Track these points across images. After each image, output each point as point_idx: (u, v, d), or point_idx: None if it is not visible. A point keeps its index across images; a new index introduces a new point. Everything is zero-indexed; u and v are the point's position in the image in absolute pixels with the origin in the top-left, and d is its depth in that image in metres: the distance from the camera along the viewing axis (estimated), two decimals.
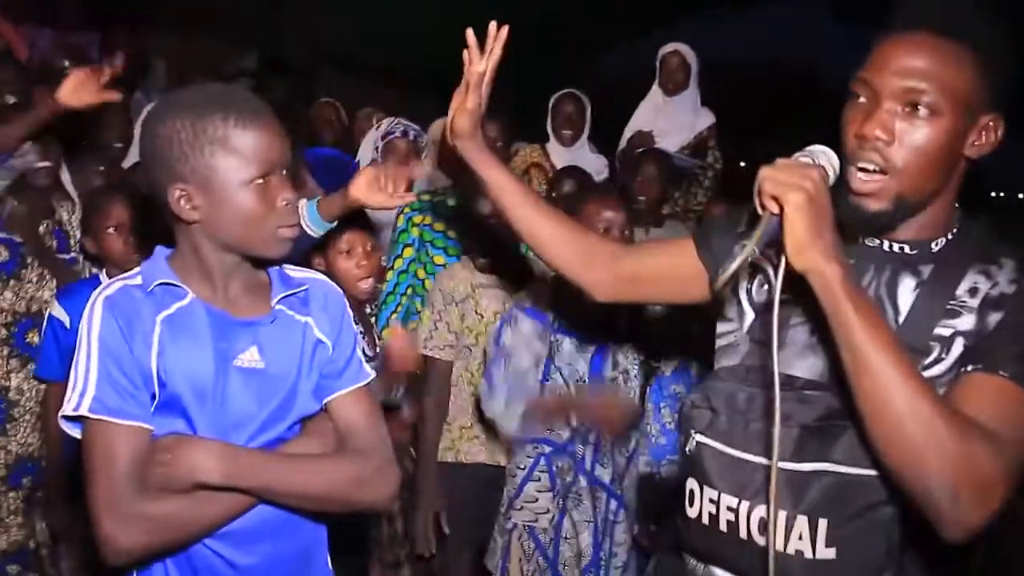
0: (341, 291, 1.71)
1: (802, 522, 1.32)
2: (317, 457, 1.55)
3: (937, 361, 1.36)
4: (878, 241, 1.44)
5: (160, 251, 1.54)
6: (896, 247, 1.43)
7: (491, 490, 2.86)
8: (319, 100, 5.38)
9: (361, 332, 2.62)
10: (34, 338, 2.93)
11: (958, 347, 1.36)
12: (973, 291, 1.37)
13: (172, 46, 6.23)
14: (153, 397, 1.44)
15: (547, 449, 2.69)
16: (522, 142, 4.76)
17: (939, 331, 1.37)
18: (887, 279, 1.43)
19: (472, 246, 3.00)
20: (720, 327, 1.63)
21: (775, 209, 1.25)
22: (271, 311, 1.55)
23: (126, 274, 1.51)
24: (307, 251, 2.55)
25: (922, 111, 1.31)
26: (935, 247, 1.42)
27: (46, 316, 2.76)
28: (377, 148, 3.61)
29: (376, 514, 2.87)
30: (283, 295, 1.57)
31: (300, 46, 6.76)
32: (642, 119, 4.81)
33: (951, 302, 1.38)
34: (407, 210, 3.32)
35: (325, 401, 1.61)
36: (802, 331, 1.47)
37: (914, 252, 1.43)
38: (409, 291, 3.26)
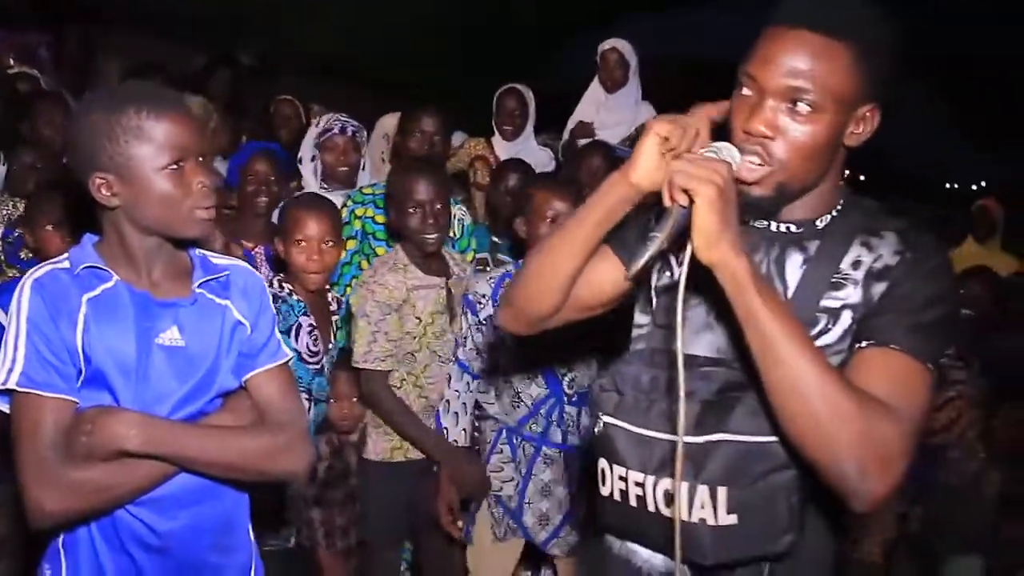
0: (261, 277, 1.81)
1: (703, 491, 1.36)
2: (232, 429, 1.64)
3: (824, 332, 1.43)
4: (766, 222, 1.50)
5: (88, 238, 1.63)
6: (783, 227, 1.50)
7: (428, 478, 2.94)
8: (278, 97, 5.38)
9: (311, 326, 2.71)
10: None
11: (845, 319, 1.42)
12: (856, 264, 1.43)
13: (123, 46, 6.22)
14: (79, 373, 1.53)
15: (504, 427, 2.90)
16: (466, 135, 4.83)
17: (825, 303, 1.43)
18: (775, 256, 1.49)
19: (408, 245, 2.88)
20: (637, 319, 1.69)
21: (684, 202, 1.29)
22: (192, 294, 1.65)
23: (55, 259, 1.60)
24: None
25: (803, 108, 1.36)
26: (820, 224, 1.48)
27: None
28: (316, 145, 3.63)
29: (328, 500, 2.92)
30: (204, 279, 1.67)
31: (255, 45, 6.75)
32: (583, 112, 4.91)
33: (835, 275, 1.44)
34: (349, 203, 3.36)
35: (244, 378, 1.70)
36: (699, 311, 1.52)
37: (800, 230, 1.49)
38: (353, 282, 3.22)
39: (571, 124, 4.91)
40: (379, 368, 2.79)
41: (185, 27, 7.36)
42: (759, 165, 1.40)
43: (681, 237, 1.32)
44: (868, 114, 1.43)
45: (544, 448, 2.86)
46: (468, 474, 2.82)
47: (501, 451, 2.92)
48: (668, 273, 1.61)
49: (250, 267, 1.80)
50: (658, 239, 1.29)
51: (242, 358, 1.69)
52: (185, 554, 1.64)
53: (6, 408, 1.52)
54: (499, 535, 2.92)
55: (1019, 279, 4.96)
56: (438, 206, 2.80)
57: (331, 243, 2.74)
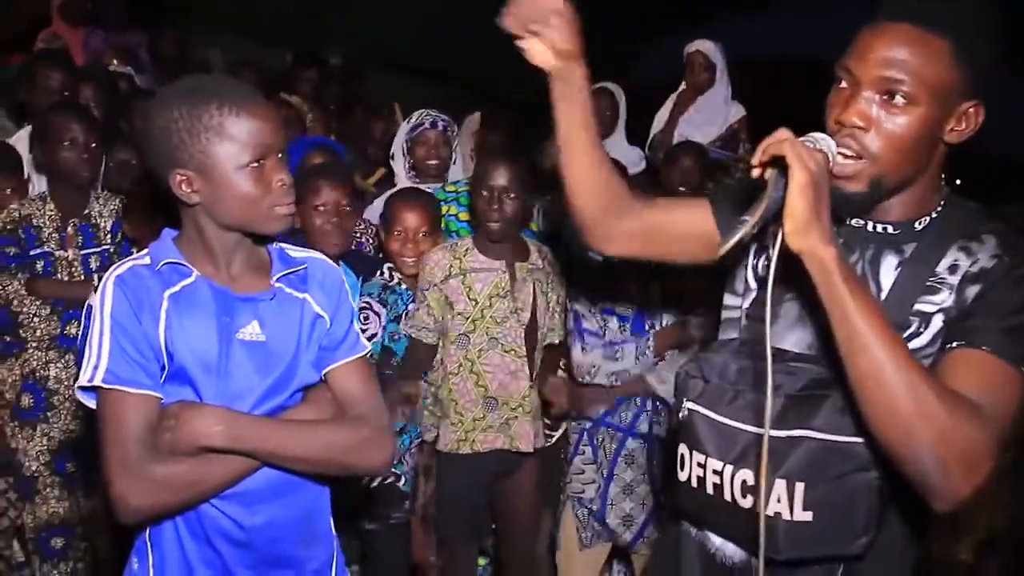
0: (340, 269, 1.81)
1: (780, 485, 1.36)
2: (315, 423, 1.63)
3: (916, 335, 1.41)
4: (863, 222, 1.49)
5: (167, 233, 1.63)
6: (880, 227, 1.48)
7: (505, 476, 2.95)
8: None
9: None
10: (71, 329, 3.03)
11: (937, 323, 1.40)
12: (953, 268, 1.41)
13: (214, 46, 6.35)
14: (162, 369, 1.53)
15: (587, 424, 2.98)
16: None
17: (919, 307, 1.42)
18: (871, 257, 1.48)
19: (479, 231, 2.95)
20: (727, 299, 1.68)
21: (768, 175, 1.29)
22: (271, 288, 1.64)
23: (136, 255, 1.61)
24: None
25: (898, 100, 1.35)
26: (918, 226, 1.47)
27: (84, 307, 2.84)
28: (408, 140, 3.68)
29: (427, 472, 2.96)
30: (282, 273, 1.66)
31: (340, 45, 6.83)
32: (662, 117, 4.89)
33: (931, 279, 1.42)
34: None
35: (324, 372, 1.69)
36: (793, 306, 1.52)
37: (897, 232, 1.47)
38: None
39: (656, 124, 4.85)
40: (419, 337, 2.89)
41: (272, 27, 7.50)
42: (852, 158, 1.39)
43: (776, 225, 1.30)
44: (971, 111, 1.40)
45: (628, 441, 2.89)
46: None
47: (583, 452, 2.98)
48: (765, 262, 1.60)
49: (328, 259, 1.79)
50: (749, 221, 1.27)
51: (322, 351, 1.69)
52: (269, 547, 1.64)
53: (92, 404, 1.52)
54: (585, 540, 2.96)
55: None
56: (510, 194, 2.83)
57: (424, 233, 2.95)
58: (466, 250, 2.89)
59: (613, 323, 2.95)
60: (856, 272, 1.39)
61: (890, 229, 1.47)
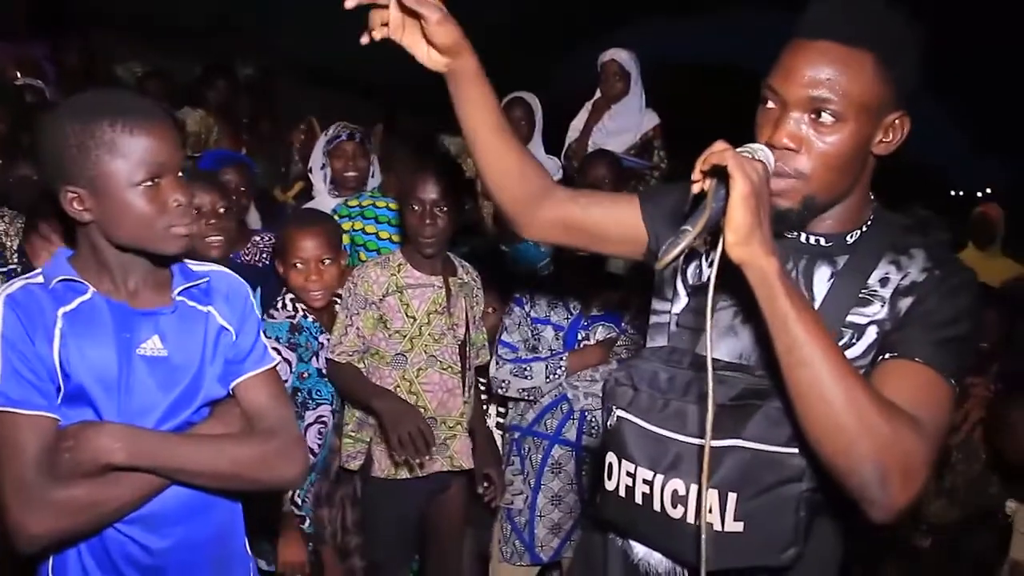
0: (244, 282, 1.76)
1: (712, 495, 1.36)
2: (222, 437, 1.60)
3: (848, 346, 1.43)
4: (796, 233, 1.50)
5: (61, 251, 1.59)
6: (813, 239, 1.50)
7: (438, 493, 2.92)
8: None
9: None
10: None
11: (871, 334, 1.42)
12: (884, 281, 1.44)
13: (122, 56, 6.20)
14: (58, 390, 1.48)
15: (516, 435, 2.98)
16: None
17: (851, 318, 1.43)
18: (804, 268, 1.49)
19: (410, 245, 2.87)
20: (656, 304, 1.68)
21: (707, 186, 1.29)
22: (172, 302, 1.61)
23: (28, 274, 1.56)
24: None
25: (827, 118, 1.36)
26: (850, 239, 1.49)
27: None
28: (326, 153, 3.67)
29: (330, 501, 2.86)
30: (183, 287, 1.62)
31: (252, 55, 6.73)
32: (576, 126, 4.92)
33: (863, 291, 1.44)
34: (336, 217, 3.34)
35: (231, 385, 1.67)
36: (726, 315, 1.52)
37: (830, 244, 1.49)
38: None
39: (571, 133, 4.89)
40: (343, 361, 2.74)
41: (183, 37, 7.35)
42: (784, 179, 1.39)
43: (714, 236, 1.30)
44: (897, 122, 1.42)
45: (554, 448, 2.90)
46: (403, 412, 2.62)
47: (512, 463, 2.98)
48: (698, 271, 1.60)
49: (231, 272, 1.76)
50: (691, 232, 1.26)
51: (228, 365, 1.66)
52: (181, 572, 1.60)
53: None
54: (505, 555, 2.96)
55: (1018, 284, 4.92)
56: (442, 207, 2.77)
57: (329, 260, 2.75)
58: (399, 265, 2.82)
59: (548, 332, 2.94)
60: (796, 284, 1.40)
61: (823, 241, 1.49)
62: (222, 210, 2.69)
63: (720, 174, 1.27)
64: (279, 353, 2.56)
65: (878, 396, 1.28)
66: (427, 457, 2.64)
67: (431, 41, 1.55)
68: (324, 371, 2.75)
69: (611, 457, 1.50)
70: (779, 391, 1.33)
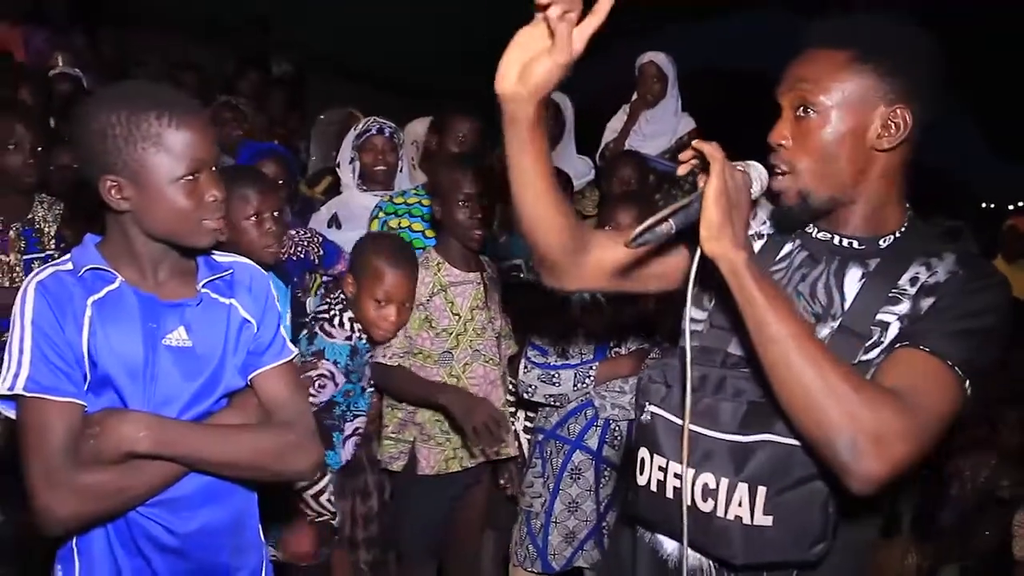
0: (266, 275, 1.77)
1: (742, 489, 1.39)
2: (241, 427, 1.62)
3: (876, 344, 1.45)
4: (830, 235, 1.55)
5: (90, 238, 1.60)
6: (845, 241, 1.54)
7: (467, 488, 2.94)
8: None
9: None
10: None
11: (894, 330, 1.45)
12: (914, 280, 1.47)
13: (156, 49, 6.26)
14: (86, 376, 1.50)
15: (540, 436, 2.95)
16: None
17: (880, 317, 1.46)
18: (835, 268, 1.53)
19: (447, 242, 2.88)
20: (695, 313, 1.64)
21: (690, 169, 1.47)
22: (197, 294, 1.63)
23: (57, 260, 1.57)
24: None
25: (810, 113, 1.46)
26: (882, 244, 1.52)
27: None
28: (355, 147, 3.66)
29: (341, 493, 2.83)
30: (208, 279, 1.64)
31: (287, 50, 6.79)
32: (614, 126, 4.90)
33: (893, 290, 1.47)
34: (381, 214, 3.33)
35: (250, 377, 1.68)
36: None
37: (862, 247, 1.53)
38: None
39: (607, 135, 4.88)
40: (395, 364, 2.75)
41: (216, 31, 7.42)
42: (782, 174, 1.50)
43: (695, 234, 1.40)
44: (895, 116, 1.45)
45: (576, 454, 2.87)
46: (473, 404, 2.65)
47: (534, 465, 2.96)
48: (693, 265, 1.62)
49: (254, 264, 1.77)
50: (663, 213, 1.37)
51: (248, 356, 1.68)
52: (201, 555, 1.63)
53: (11, 414, 1.49)
54: (519, 558, 2.94)
55: None
56: (485, 201, 2.79)
57: (410, 305, 2.71)
58: (438, 264, 2.83)
59: (580, 337, 2.92)
60: (767, 272, 1.49)
61: (855, 244, 1.53)
62: (277, 213, 2.61)
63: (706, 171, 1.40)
64: (332, 377, 2.54)
65: (846, 367, 1.34)
66: (502, 444, 2.70)
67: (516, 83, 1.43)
68: (371, 380, 2.73)
69: (643, 452, 1.54)
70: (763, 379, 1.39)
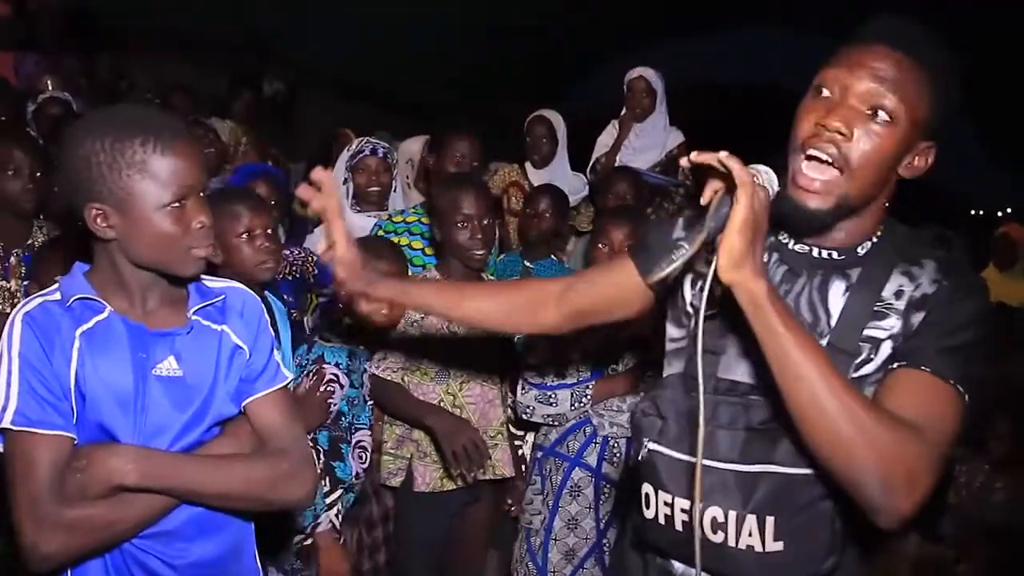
0: (259, 299, 1.76)
1: (751, 520, 1.39)
2: (233, 457, 1.59)
3: (867, 361, 1.44)
4: (807, 248, 1.52)
5: (78, 267, 1.58)
6: (825, 253, 1.51)
7: (467, 505, 2.93)
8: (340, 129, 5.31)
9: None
10: None
11: (886, 349, 1.44)
12: (899, 293, 1.45)
13: (150, 70, 6.28)
14: (73, 409, 1.48)
15: (539, 454, 2.94)
16: (501, 162, 4.84)
17: (868, 332, 1.45)
18: (818, 284, 1.50)
19: (447, 261, 2.87)
20: (672, 331, 1.68)
21: (716, 194, 1.30)
22: (188, 322, 1.60)
23: (45, 291, 1.55)
24: None
25: (881, 117, 1.37)
26: (861, 251, 1.50)
27: None
28: (349, 167, 3.66)
29: (356, 520, 2.83)
30: (199, 306, 1.62)
31: (281, 70, 6.81)
32: (604, 142, 4.91)
33: (878, 304, 1.45)
34: (381, 232, 3.33)
35: (243, 404, 1.65)
36: (740, 337, 1.52)
37: (842, 257, 1.50)
38: None
39: (597, 150, 4.91)
40: (388, 378, 2.76)
41: (210, 51, 7.43)
42: (826, 164, 1.39)
43: (709, 254, 1.31)
44: (927, 149, 1.43)
45: (575, 471, 2.86)
46: (456, 427, 2.67)
47: (534, 482, 2.95)
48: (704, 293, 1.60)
49: (246, 288, 1.75)
50: (685, 251, 1.27)
51: (241, 383, 1.65)
52: None
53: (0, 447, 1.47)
54: (519, 575, 2.93)
55: None
56: (485, 221, 2.78)
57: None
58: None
59: (576, 356, 2.90)
60: (785, 301, 1.40)
61: (835, 255, 1.50)
62: (270, 231, 2.60)
63: (723, 187, 1.29)
64: (337, 380, 2.55)
65: (876, 407, 1.31)
66: (480, 470, 2.69)
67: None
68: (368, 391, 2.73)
69: (647, 488, 1.52)
70: (783, 410, 1.34)
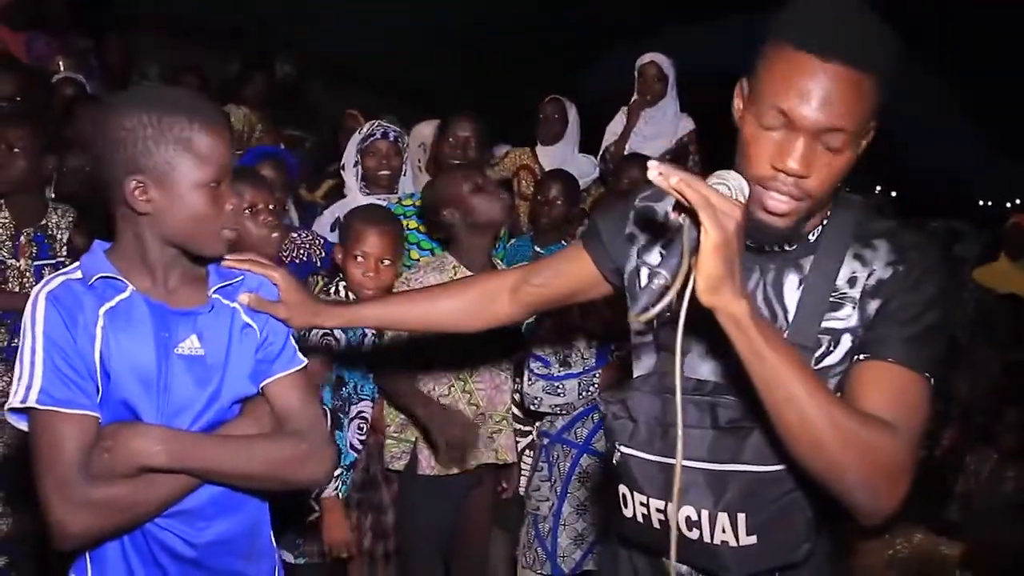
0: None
1: (723, 518, 1.42)
2: (254, 438, 1.61)
3: (827, 354, 1.46)
4: (758, 243, 1.48)
5: (99, 245, 1.58)
6: (776, 247, 1.49)
7: (471, 489, 2.95)
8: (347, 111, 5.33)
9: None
10: (19, 342, 2.94)
11: (846, 342, 1.44)
12: (852, 281, 1.45)
13: (160, 53, 6.27)
14: (98, 388, 1.48)
15: (545, 441, 2.98)
16: (510, 145, 4.83)
17: (826, 324, 1.45)
18: (772, 279, 1.50)
19: (458, 247, 2.90)
20: (635, 324, 1.68)
21: (685, 220, 1.23)
22: (208, 300, 1.62)
23: (66, 269, 1.55)
24: None
25: (834, 143, 1.32)
26: (811, 238, 1.49)
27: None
28: (359, 151, 3.65)
29: (367, 505, 2.86)
30: (219, 285, 1.64)
31: (289, 54, 6.78)
32: (614, 129, 4.92)
33: (833, 294, 1.45)
34: None
35: (261, 384, 1.67)
36: (704, 336, 1.50)
37: (793, 247, 1.49)
38: None
39: (608, 136, 4.90)
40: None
41: (220, 35, 7.43)
42: (788, 200, 1.36)
43: (681, 269, 1.24)
44: (872, 126, 1.39)
45: (583, 458, 2.88)
46: (448, 418, 2.70)
47: (541, 469, 2.98)
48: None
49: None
50: (665, 279, 1.22)
51: (259, 364, 1.67)
52: (216, 564, 1.62)
53: (24, 427, 1.47)
54: (527, 560, 2.96)
55: None
56: (385, 262, 2.75)
57: (389, 262, 2.74)
58: (454, 267, 2.83)
59: (581, 343, 2.93)
60: (767, 319, 1.40)
61: (786, 247, 1.48)
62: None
63: (692, 212, 1.20)
64: (331, 335, 2.59)
65: (855, 413, 1.31)
66: (472, 461, 2.73)
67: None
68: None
69: (623, 489, 1.54)
70: (763, 414, 1.34)
